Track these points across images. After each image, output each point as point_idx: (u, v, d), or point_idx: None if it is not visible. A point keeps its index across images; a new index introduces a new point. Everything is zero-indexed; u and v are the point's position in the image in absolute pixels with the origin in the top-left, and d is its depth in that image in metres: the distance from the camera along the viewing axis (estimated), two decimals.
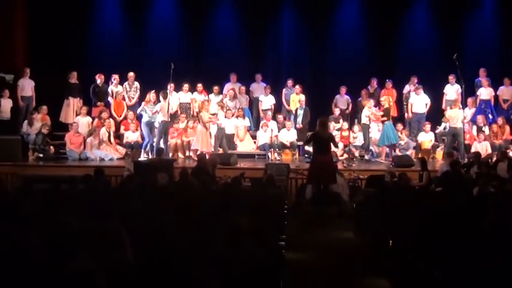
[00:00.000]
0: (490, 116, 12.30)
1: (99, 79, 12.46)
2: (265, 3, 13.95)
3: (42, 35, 13.23)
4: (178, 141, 11.92)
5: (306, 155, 11.47)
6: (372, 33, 13.85)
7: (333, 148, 9.58)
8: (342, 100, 13.05)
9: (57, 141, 12.02)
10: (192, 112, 12.58)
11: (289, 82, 13.01)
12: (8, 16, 12.84)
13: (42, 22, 13.23)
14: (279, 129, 12.31)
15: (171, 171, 9.10)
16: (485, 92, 12.43)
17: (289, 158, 11.94)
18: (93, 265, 2.71)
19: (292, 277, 5.12)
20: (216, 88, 12.73)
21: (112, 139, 11.84)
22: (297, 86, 12.72)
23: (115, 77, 12.67)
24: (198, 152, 11.20)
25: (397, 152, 11.75)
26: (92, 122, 12.09)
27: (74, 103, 12.45)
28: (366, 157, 11.93)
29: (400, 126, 12.10)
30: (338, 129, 12.26)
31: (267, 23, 14.15)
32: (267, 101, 12.88)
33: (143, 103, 11.79)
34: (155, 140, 11.63)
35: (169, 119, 11.75)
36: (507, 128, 11.98)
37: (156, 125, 11.66)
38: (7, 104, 11.80)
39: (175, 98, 12.44)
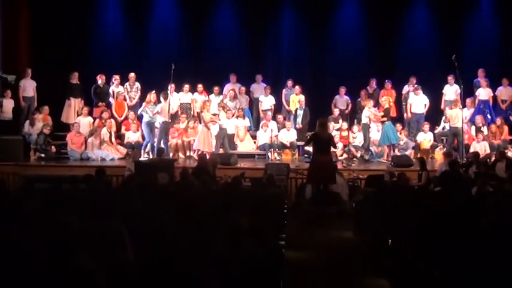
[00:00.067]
0: (489, 116, 12.35)
1: (100, 80, 12.50)
2: (265, 3, 13.98)
3: (44, 36, 13.29)
4: (179, 141, 11.96)
5: (306, 155, 11.50)
6: (371, 34, 13.89)
7: (332, 148, 9.62)
8: (342, 100, 13.09)
9: (59, 141, 12.05)
10: (192, 112, 12.63)
11: (289, 82, 13.05)
12: (11, 17, 12.87)
13: (44, 23, 13.29)
14: (279, 130, 12.35)
15: (172, 171, 9.12)
16: (483, 93, 12.47)
17: (289, 158, 11.98)
18: (94, 265, 2.72)
19: (292, 276, 5.13)
20: (216, 89, 12.77)
21: (113, 139, 11.88)
22: (297, 87, 12.76)
23: (116, 78, 12.72)
24: (199, 152, 11.25)
25: (396, 152, 11.79)
26: (93, 122, 12.13)
27: (75, 103, 12.49)
28: (366, 157, 11.97)
29: (399, 126, 12.15)
30: (337, 130, 12.30)
31: (267, 24, 14.19)
32: (267, 102, 12.92)
33: (144, 103, 11.83)
34: (156, 140, 11.68)
35: (169, 120, 11.80)
36: (505, 128, 12.05)
37: (157, 125, 11.71)
38: (9, 104, 11.84)
39: (176, 98, 12.48)
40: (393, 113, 12.31)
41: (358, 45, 13.87)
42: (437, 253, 4.09)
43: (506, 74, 12.74)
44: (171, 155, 11.68)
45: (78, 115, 12.37)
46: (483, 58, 13.21)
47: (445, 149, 11.64)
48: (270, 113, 12.66)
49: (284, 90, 13.11)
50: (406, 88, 12.98)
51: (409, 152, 11.83)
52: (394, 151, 11.84)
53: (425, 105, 12.51)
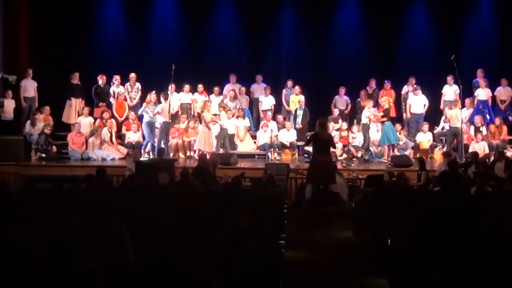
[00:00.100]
0: (488, 117, 12.39)
1: (101, 80, 12.54)
2: (265, 3, 14.00)
3: (44, 36, 13.31)
4: (179, 141, 11.99)
5: (306, 155, 11.53)
6: (370, 34, 13.91)
7: (331, 149, 9.65)
8: (341, 101, 13.11)
9: (60, 141, 12.09)
10: (192, 112, 12.65)
11: (289, 83, 13.08)
12: (11, 18, 12.90)
13: (45, 24, 13.32)
14: (279, 130, 12.38)
15: (172, 171, 9.14)
16: (482, 93, 12.52)
17: (288, 158, 12.00)
18: (94, 265, 2.72)
19: (292, 276, 5.14)
20: (216, 89, 12.79)
21: (114, 139, 11.92)
22: (297, 87, 12.79)
23: (116, 78, 12.75)
24: (200, 152, 11.27)
25: (396, 152, 11.82)
26: (94, 123, 12.16)
27: (76, 104, 12.52)
28: (365, 157, 12.00)
29: (398, 126, 12.18)
30: (337, 130, 12.33)
31: (267, 24, 14.21)
32: (267, 102, 12.94)
33: (144, 104, 11.86)
34: (156, 140, 11.71)
35: (170, 120, 11.83)
36: (504, 128, 12.10)
37: (157, 125, 11.75)
38: (10, 104, 11.87)
39: (176, 98, 12.50)
40: (393, 113, 12.35)
41: (358, 45, 13.89)
42: (436, 253, 4.10)
43: (505, 74, 12.79)
44: (171, 155, 11.71)
45: (79, 115, 12.41)
46: (482, 58, 13.25)
47: (444, 149, 11.66)
48: (270, 113, 12.69)
49: (284, 91, 13.14)
50: (405, 88, 13.00)
51: (409, 152, 11.86)
52: (393, 151, 11.87)
53: (424, 105, 12.54)
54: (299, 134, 12.25)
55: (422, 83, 12.71)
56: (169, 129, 11.87)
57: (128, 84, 12.72)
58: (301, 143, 12.04)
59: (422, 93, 12.50)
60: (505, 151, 11.12)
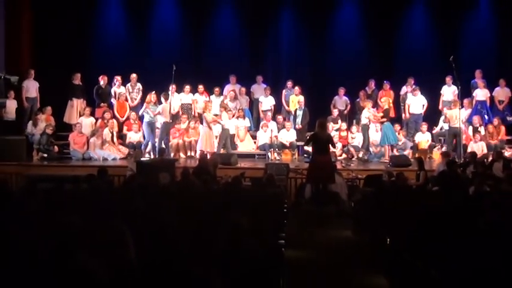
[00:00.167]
0: (486, 117, 12.46)
1: (102, 80, 12.59)
2: (265, 4, 14.04)
3: (46, 37, 13.37)
4: (180, 141, 12.04)
5: (305, 155, 11.58)
6: (370, 35, 13.94)
7: (331, 149, 9.69)
8: (340, 101, 13.15)
9: (61, 141, 12.14)
10: (193, 113, 12.70)
11: (289, 83, 13.12)
12: (14, 19, 12.96)
13: (47, 25, 13.38)
14: (279, 130, 12.42)
15: (173, 171, 9.18)
16: (481, 93, 12.57)
17: (288, 158, 12.05)
18: (95, 265, 2.74)
19: (292, 275, 5.18)
20: (216, 89, 12.82)
21: (115, 139, 11.97)
22: (296, 87, 12.83)
23: (118, 79, 12.80)
24: (201, 152, 11.32)
25: (395, 152, 11.87)
26: (95, 123, 12.21)
27: (77, 104, 12.57)
28: (365, 157, 12.04)
29: (397, 126, 12.24)
30: (336, 130, 12.37)
31: (267, 25, 14.25)
32: (267, 102, 12.98)
33: (144, 104, 11.91)
34: (157, 140, 11.76)
35: (170, 120, 11.88)
36: (502, 128, 12.16)
37: (158, 125, 11.79)
38: (12, 105, 11.91)
39: (177, 99, 12.54)
40: (392, 114, 12.40)
41: (357, 46, 13.93)
42: (435, 252, 4.13)
43: (503, 74, 12.85)
44: (172, 155, 11.76)
45: (80, 115, 12.46)
46: (480, 59, 13.26)
47: (443, 149, 11.70)
48: (269, 114, 12.73)
49: (284, 91, 13.18)
50: (404, 89, 13.04)
51: (408, 152, 11.91)
52: (392, 151, 11.92)
53: (423, 105, 12.58)
54: (299, 134, 12.29)
55: (421, 83, 12.75)
56: (169, 130, 11.92)
57: (129, 84, 12.77)
58: (300, 143, 12.09)
59: (421, 93, 12.54)
60: (503, 151, 11.20)
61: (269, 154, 11.95)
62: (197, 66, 13.85)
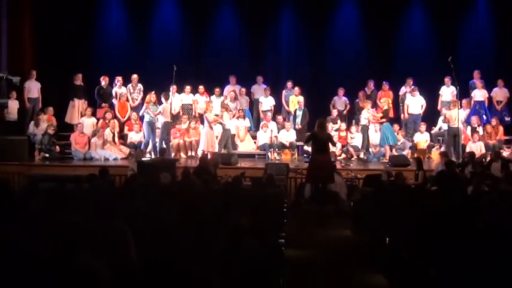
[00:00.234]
0: (484, 117, 12.51)
1: (104, 81, 12.64)
2: (265, 5, 14.07)
3: (48, 38, 13.40)
4: (181, 141, 12.08)
5: (305, 155, 11.62)
6: (369, 35, 13.99)
7: (331, 148, 9.72)
8: (340, 101, 13.17)
9: (63, 141, 12.18)
10: (194, 113, 12.74)
11: (289, 84, 13.16)
12: (16, 20, 12.98)
13: (48, 26, 13.40)
14: (279, 130, 12.46)
15: (174, 170, 9.20)
16: (479, 94, 12.61)
17: (288, 158, 12.09)
18: (97, 264, 2.78)
19: (292, 274, 5.22)
20: (217, 90, 12.85)
21: (116, 139, 12.01)
22: (296, 88, 12.87)
23: (119, 79, 12.83)
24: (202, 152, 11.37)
25: (394, 152, 11.92)
26: (97, 123, 12.25)
27: (79, 104, 12.60)
28: (364, 157, 12.09)
29: (396, 126, 12.29)
30: (336, 130, 12.41)
31: (267, 26, 14.28)
32: (267, 102, 13.02)
33: (145, 104, 11.95)
34: (157, 140, 11.81)
35: (171, 120, 11.93)
36: (500, 128, 12.20)
37: (159, 125, 11.84)
38: (14, 105, 11.94)
39: (178, 99, 12.58)
40: (391, 114, 12.44)
41: (357, 46, 13.97)
42: (433, 252, 4.16)
43: (501, 75, 12.89)
44: (172, 155, 11.80)
45: (81, 116, 12.50)
46: (479, 60, 13.31)
47: (442, 149, 11.75)
48: (269, 114, 12.77)
49: (284, 91, 13.22)
50: (403, 89, 13.08)
51: (406, 152, 11.95)
52: (391, 151, 11.97)
53: (422, 106, 12.63)
54: (298, 134, 12.33)
55: (419, 84, 12.80)
56: (170, 130, 11.97)
57: (130, 85, 12.81)
58: (300, 143, 12.13)
59: (420, 94, 12.59)
60: (501, 151, 11.24)
61: (269, 154, 11.99)
62: (197, 66, 13.89)
